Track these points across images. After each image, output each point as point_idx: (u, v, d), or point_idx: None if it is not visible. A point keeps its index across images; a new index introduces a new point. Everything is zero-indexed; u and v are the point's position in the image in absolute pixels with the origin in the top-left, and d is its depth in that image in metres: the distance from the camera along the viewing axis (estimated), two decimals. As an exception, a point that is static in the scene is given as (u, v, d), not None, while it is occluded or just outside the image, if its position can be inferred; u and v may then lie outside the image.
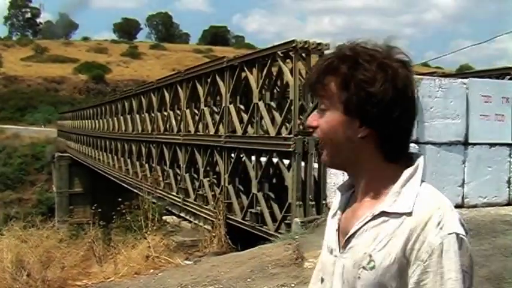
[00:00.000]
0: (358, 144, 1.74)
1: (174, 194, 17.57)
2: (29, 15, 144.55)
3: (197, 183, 16.25)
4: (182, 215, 16.62)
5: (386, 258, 1.66)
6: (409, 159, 1.77)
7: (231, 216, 13.41)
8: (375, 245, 1.69)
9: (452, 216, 1.67)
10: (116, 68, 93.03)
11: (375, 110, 1.69)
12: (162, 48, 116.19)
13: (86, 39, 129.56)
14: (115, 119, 27.99)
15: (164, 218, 14.84)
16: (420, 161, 1.77)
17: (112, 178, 27.78)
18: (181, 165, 17.37)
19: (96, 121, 33.63)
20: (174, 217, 16.42)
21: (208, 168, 15.73)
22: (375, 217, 1.72)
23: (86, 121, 37.83)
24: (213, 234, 13.03)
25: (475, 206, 9.06)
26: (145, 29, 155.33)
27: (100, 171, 31.61)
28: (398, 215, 1.68)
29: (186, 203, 16.49)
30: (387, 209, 1.70)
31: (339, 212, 1.90)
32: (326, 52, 12.43)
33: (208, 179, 15.47)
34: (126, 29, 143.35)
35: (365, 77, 1.69)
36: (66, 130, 48.52)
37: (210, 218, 14.09)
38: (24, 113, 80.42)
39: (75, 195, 40.63)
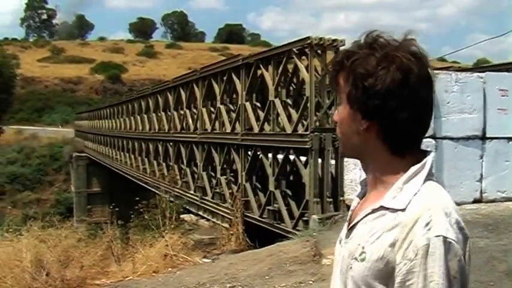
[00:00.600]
0: (363, 137, 1.77)
1: (192, 192, 17.59)
2: (45, 16, 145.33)
3: (214, 181, 16.25)
4: (200, 213, 16.64)
5: (376, 252, 1.67)
6: (421, 156, 1.77)
7: (248, 214, 13.40)
8: (368, 237, 1.72)
9: (442, 219, 1.64)
10: (132, 67, 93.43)
11: (373, 102, 1.71)
12: (177, 47, 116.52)
13: (102, 39, 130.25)
14: (132, 118, 28.06)
15: (182, 216, 14.85)
16: (429, 158, 1.77)
17: (129, 177, 27.87)
18: (199, 164, 17.39)
19: (113, 121, 33.73)
20: (192, 215, 16.43)
21: (225, 166, 15.73)
22: (374, 211, 1.75)
23: (103, 121, 37.97)
24: (231, 232, 13.04)
25: (493, 201, 9.01)
26: (160, 28, 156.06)
27: (118, 171, 31.72)
28: (394, 210, 1.69)
29: (204, 201, 16.50)
30: (386, 204, 1.72)
31: (354, 204, 1.93)
32: (341, 48, 12.42)
33: (225, 176, 15.47)
34: (142, 28, 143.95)
35: (364, 70, 1.71)
36: (83, 130, 48.75)
37: (228, 216, 14.10)
38: (41, 114, 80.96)
39: (93, 194, 40.81)
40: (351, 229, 1.83)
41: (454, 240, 1.62)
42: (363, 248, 1.71)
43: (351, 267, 1.75)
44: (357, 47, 1.77)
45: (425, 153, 1.79)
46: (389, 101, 1.70)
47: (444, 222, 1.64)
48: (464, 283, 1.66)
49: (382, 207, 1.73)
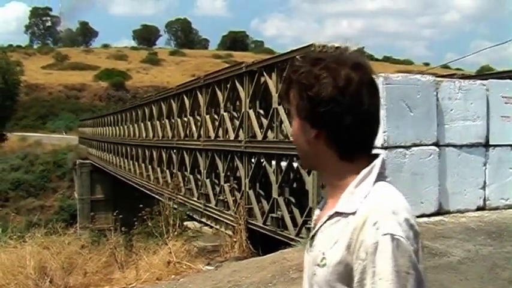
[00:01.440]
0: (313, 145, 1.85)
1: (195, 199, 17.59)
2: (49, 23, 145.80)
3: (218, 189, 16.25)
4: (203, 220, 16.64)
5: (334, 256, 1.74)
6: (372, 160, 1.85)
7: (252, 221, 13.39)
8: (327, 243, 1.79)
9: (390, 218, 1.69)
10: (136, 74, 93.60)
11: (318, 110, 1.80)
12: (181, 54, 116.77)
13: (105, 46, 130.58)
14: (135, 125, 28.10)
15: (185, 223, 14.84)
16: (377, 161, 1.84)
17: (133, 184, 27.88)
18: (202, 171, 17.39)
19: (117, 128, 33.78)
20: (195, 222, 16.42)
21: (228, 173, 15.73)
22: (330, 217, 1.83)
23: (107, 128, 38.02)
24: (234, 239, 13.04)
25: (496, 208, 9.00)
26: (164, 35, 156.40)
27: (121, 178, 31.74)
28: (347, 214, 1.77)
29: (207, 208, 16.50)
30: (339, 209, 1.80)
31: (316, 214, 2.00)
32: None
33: (229, 184, 15.46)
34: (146, 35, 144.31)
35: (307, 81, 1.81)
36: (87, 137, 48.81)
37: (231, 223, 14.09)
38: (45, 121, 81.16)
39: (96, 201, 40.82)
40: (312, 238, 1.90)
41: (402, 237, 1.66)
42: (323, 254, 1.78)
43: (314, 274, 1.81)
44: (302, 62, 1.87)
45: (375, 157, 1.87)
46: (333, 109, 1.78)
47: (391, 220, 1.69)
48: (420, 279, 1.70)
49: (336, 213, 1.80)
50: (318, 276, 1.79)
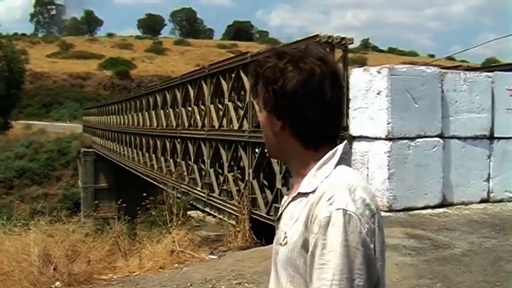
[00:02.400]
0: (279, 136, 1.93)
1: (199, 189, 17.62)
2: (54, 12, 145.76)
3: (221, 178, 16.28)
4: (207, 209, 16.67)
5: (294, 234, 1.80)
6: (334, 145, 1.91)
7: (255, 211, 13.42)
8: (288, 223, 1.86)
9: (344, 194, 1.74)
10: (141, 63, 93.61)
11: (283, 102, 1.87)
12: (186, 43, 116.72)
13: (110, 35, 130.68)
14: (140, 114, 28.12)
15: (189, 212, 14.85)
16: (340, 146, 1.90)
17: (137, 173, 27.93)
18: (206, 160, 17.42)
19: (121, 116, 33.81)
20: (199, 212, 16.46)
21: (232, 163, 15.75)
22: (293, 199, 1.90)
23: (111, 117, 38.06)
24: (238, 229, 13.06)
25: (500, 201, 8.98)
26: (169, 24, 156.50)
27: (125, 167, 31.79)
28: (307, 194, 1.83)
29: (211, 197, 16.53)
30: (302, 190, 1.86)
31: (283, 201, 2.05)
32: (350, 46, 12.39)
33: (232, 173, 15.48)
34: (151, 25, 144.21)
35: (273, 74, 1.88)
36: (91, 126, 48.86)
37: (235, 213, 14.12)
38: (50, 109, 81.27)
39: (100, 190, 40.94)
40: (278, 221, 1.97)
41: (354, 213, 1.71)
42: (285, 233, 1.85)
43: (277, 253, 1.88)
44: (268, 56, 1.95)
45: (338, 144, 1.94)
46: (297, 100, 1.85)
47: (345, 196, 1.74)
48: (369, 257, 1.73)
49: (299, 194, 1.87)
50: (280, 255, 1.85)
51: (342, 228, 1.69)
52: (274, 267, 1.91)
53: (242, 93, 15.87)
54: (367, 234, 1.72)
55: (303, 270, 1.77)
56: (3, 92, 63.30)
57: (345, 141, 1.95)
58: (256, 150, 14.12)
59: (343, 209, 1.70)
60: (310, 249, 1.73)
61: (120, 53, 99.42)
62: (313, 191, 1.80)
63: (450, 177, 8.45)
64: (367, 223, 1.73)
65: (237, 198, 14.47)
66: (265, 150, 2.04)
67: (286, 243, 1.82)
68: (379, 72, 7.84)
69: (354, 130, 8.26)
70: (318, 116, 1.87)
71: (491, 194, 8.99)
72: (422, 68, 8.51)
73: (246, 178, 14.34)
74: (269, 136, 1.96)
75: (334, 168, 1.85)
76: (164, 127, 22.79)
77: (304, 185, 1.86)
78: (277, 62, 1.89)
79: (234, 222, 13.83)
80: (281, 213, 1.95)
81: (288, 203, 1.92)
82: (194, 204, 16.93)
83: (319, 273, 1.69)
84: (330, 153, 1.88)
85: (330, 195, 1.74)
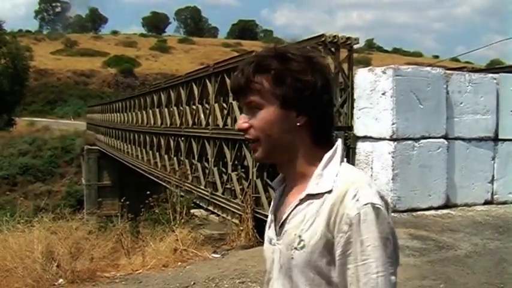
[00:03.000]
0: (295, 134, 1.87)
1: (202, 187, 17.63)
2: (59, 9, 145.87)
3: (225, 177, 16.29)
4: (210, 208, 16.68)
5: (313, 236, 1.78)
6: (332, 144, 1.91)
7: (258, 210, 13.41)
8: (302, 226, 1.82)
9: (367, 189, 1.77)
10: (145, 61, 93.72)
11: (310, 97, 1.84)
12: (190, 42, 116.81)
13: (115, 33, 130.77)
14: (144, 112, 28.14)
15: (192, 211, 14.84)
16: (338, 143, 1.91)
17: (140, 171, 27.94)
18: (210, 159, 17.42)
19: (125, 114, 33.84)
20: (202, 210, 16.47)
21: (236, 162, 15.75)
22: (301, 201, 1.85)
23: (115, 114, 38.09)
24: (241, 228, 13.05)
25: (504, 203, 8.97)
26: (174, 23, 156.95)
27: (128, 164, 31.81)
28: (321, 195, 1.81)
29: (214, 196, 16.54)
30: (311, 191, 1.83)
31: (272, 204, 2.05)
32: (355, 46, 12.39)
33: (236, 172, 15.48)
34: (155, 23, 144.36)
35: (299, 68, 1.84)
36: (95, 123, 48.93)
37: (238, 212, 14.12)
38: (54, 106, 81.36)
39: (103, 187, 40.99)
40: (281, 226, 1.90)
41: (380, 206, 1.75)
42: (300, 237, 1.81)
43: (292, 258, 1.83)
44: (274, 51, 1.90)
45: (333, 140, 1.94)
46: (323, 96, 1.86)
47: (369, 191, 1.77)
48: (397, 244, 1.81)
49: (308, 196, 1.83)
50: (297, 259, 1.82)
51: (374, 222, 1.72)
52: (286, 275, 1.87)
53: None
54: (392, 223, 1.79)
55: (325, 270, 1.78)
56: (7, 89, 63.44)
57: (339, 139, 1.96)
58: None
59: (371, 203, 1.73)
60: (339, 249, 1.74)
61: (125, 50, 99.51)
62: (329, 191, 1.79)
63: (454, 178, 8.45)
64: (388, 213, 1.78)
65: (240, 197, 14.47)
66: (257, 153, 1.93)
67: (303, 247, 1.79)
68: (384, 72, 7.83)
69: (358, 130, 8.26)
70: (330, 112, 1.92)
71: (495, 196, 8.98)
72: (428, 69, 8.50)
73: (250, 177, 14.35)
74: (278, 135, 1.87)
75: (340, 165, 1.86)
76: (168, 125, 22.81)
77: (313, 186, 1.83)
78: (294, 57, 1.86)
79: (237, 221, 13.83)
80: (286, 218, 1.89)
81: (295, 206, 1.87)
82: (197, 202, 16.94)
83: (364, 269, 1.72)
84: (331, 152, 1.88)
85: (354, 192, 1.75)
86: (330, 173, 1.83)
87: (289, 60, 1.85)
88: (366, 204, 1.73)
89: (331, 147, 1.89)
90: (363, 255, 1.71)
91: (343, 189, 1.77)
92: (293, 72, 1.83)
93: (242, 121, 1.92)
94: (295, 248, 1.82)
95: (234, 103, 15.82)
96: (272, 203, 2.08)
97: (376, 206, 1.74)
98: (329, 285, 1.79)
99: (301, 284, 1.82)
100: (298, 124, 1.85)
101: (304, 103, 1.84)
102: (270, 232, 2.00)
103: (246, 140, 1.96)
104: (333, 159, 1.87)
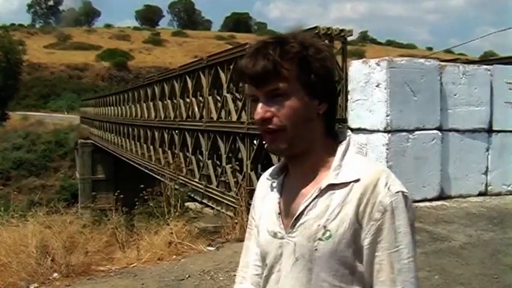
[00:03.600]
0: (314, 123, 1.83)
1: (197, 180, 17.64)
2: (51, 2, 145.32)
3: (219, 170, 16.29)
4: (204, 201, 16.69)
5: (341, 226, 1.75)
6: (337, 135, 1.89)
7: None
8: (327, 216, 1.77)
9: (395, 178, 1.79)
10: (139, 55, 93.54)
11: (332, 85, 1.86)
12: (184, 35, 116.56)
13: (108, 26, 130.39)
14: (138, 105, 28.12)
15: (186, 204, 14.81)
16: (350, 135, 1.94)
17: (135, 165, 27.95)
18: (204, 152, 17.42)
19: (119, 108, 33.81)
20: (197, 203, 16.46)
21: (230, 154, 15.75)
22: (322, 192, 1.80)
23: (109, 108, 38.07)
24: (235, 221, 13.01)
25: (498, 194, 8.98)
26: (167, 16, 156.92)
27: (123, 158, 31.79)
28: (346, 184, 1.78)
29: (209, 189, 16.55)
30: (333, 181, 1.79)
31: (273, 196, 1.95)
32: (349, 38, 12.38)
33: (230, 165, 15.49)
34: (149, 16, 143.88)
35: (322, 55, 1.80)
36: (89, 117, 48.89)
37: (232, 205, 14.11)
38: (47, 100, 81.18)
39: (98, 181, 40.97)
40: (297, 218, 1.82)
41: (408, 194, 1.78)
42: (325, 227, 1.77)
43: (316, 249, 1.78)
44: (292, 37, 1.81)
45: (338, 134, 1.90)
46: (336, 84, 1.91)
47: (396, 180, 1.79)
48: (415, 229, 1.83)
49: (330, 186, 1.79)
50: (322, 250, 1.77)
51: (405, 209, 1.75)
52: (305, 266, 1.80)
53: (240, 84, 15.84)
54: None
55: (350, 260, 1.77)
56: (0, 83, 63.23)
57: (348, 131, 2.01)
58: (255, 141, 14.11)
59: (402, 192, 1.76)
60: (369, 237, 1.75)
61: (118, 44, 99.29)
62: (356, 180, 1.76)
63: (448, 170, 8.45)
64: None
65: (234, 189, 14.47)
66: (277, 144, 1.82)
67: (329, 237, 1.76)
68: (378, 64, 7.82)
69: (352, 122, 8.24)
70: (337, 93, 1.94)
71: (489, 187, 8.99)
72: (422, 60, 8.49)
73: (244, 170, 14.35)
74: (302, 125, 1.80)
75: (355, 156, 1.86)
76: (162, 118, 22.79)
77: (332, 176, 1.79)
78: (314, 44, 1.81)
79: (232, 214, 13.81)
80: (304, 209, 1.81)
81: (315, 197, 1.80)
82: (192, 195, 16.92)
83: (397, 255, 1.75)
84: (345, 143, 1.85)
85: (384, 181, 1.76)
86: (351, 163, 1.82)
87: (310, 47, 1.79)
88: (397, 192, 1.75)
89: (336, 138, 1.87)
90: (396, 241, 1.74)
91: (373, 177, 1.76)
92: (318, 59, 1.79)
93: (264, 110, 1.80)
94: (320, 239, 1.77)
95: (228, 96, 15.80)
96: (262, 195, 2.03)
97: (405, 194, 1.77)
98: (352, 275, 1.78)
99: (325, 275, 1.78)
100: (319, 113, 1.81)
101: (327, 91, 1.82)
102: (271, 225, 1.91)
103: (266, 130, 1.81)
104: (349, 151, 1.85)
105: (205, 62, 17.76)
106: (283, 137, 1.79)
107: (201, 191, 16.94)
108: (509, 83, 9.11)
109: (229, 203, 14.57)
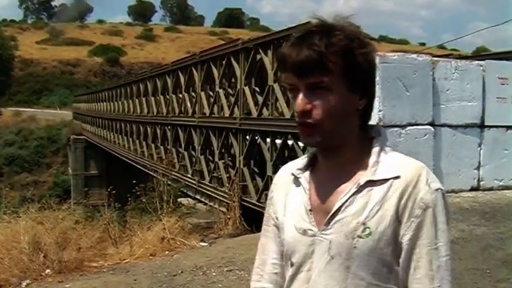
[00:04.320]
0: (353, 118, 1.81)
1: (189, 176, 17.61)
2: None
3: (212, 165, 16.26)
4: (197, 197, 16.65)
5: (381, 223, 1.74)
6: (369, 130, 1.87)
7: (246, 198, 13.39)
8: (367, 212, 1.75)
9: (433, 175, 1.79)
10: (131, 50, 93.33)
11: (373, 81, 1.83)
12: (176, 30, 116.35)
13: (101, 22, 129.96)
14: (130, 101, 28.03)
15: (179, 200, 14.82)
16: (384, 131, 1.89)
17: (127, 160, 27.89)
18: (197, 147, 17.38)
19: (112, 104, 33.71)
20: (189, 199, 16.43)
21: (223, 150, 15.72)
22: (360, 188, 1.77)
23: (101, 104, 37.94)
24: (228, 216, 13.05)
25: (490, 189, 9.02)
26: (160, 11, 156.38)
27: (115, 154, 31.73)
28: (385, 180, 1.76)
29: (201, 185, 16.52)
30: (372, 178, 1.77)
31: (301, 192, 1.90)
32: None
33: (223, 161, 15.46)
34: (141, 11, 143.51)
35: (366, 49, 1.77)
36: (81, 113, 48.69)
37: (225, 200, 14.10)
38: (39, 96, 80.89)
39: (90, 177, 40.86)
40: (333, 215, 1.78)
41: (445, 191, 1.80)
42: (364, 224, 1.74)
43: (355, 247, 1.74)
44: (337, 27, 1.76)
45: (372, 127, 1.88)
46: (375, 73, 1.84)
47: (435, 177, 1.79)
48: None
49: (368, 182, 1.77)
50: (361, 248, 1.74)
51: (443, 207, 1.76)
52: (342, 264, 1.76)
53: (233, 80, 15.83)
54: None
55: (388, 258, 1.75)
56: (-8, 79, 63.11)
57: (380, 126, 1.97)
58: (247, 137, 14.10)
59: (440, 189, 1.77)
60: (410, 233, 1.74)
61: (111, 39, 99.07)
62: (396, 177, 1.75)
63: (441, 165, 8.48)
64: None
65: (227, 185, 14.45)
66: (314, 138, 1.79)
67: (369, 234, 1.73)
68: (370, 59, 7.82)
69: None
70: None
71: (481, 182, 9.03)
72: (414, 56, 8.51)
73: (237, 165, 14.33)
74: (340, 119, 1.77)
75: (391, 153, 1.84)
76: (155, 114, 22.73)
77: (370, 173, 1.77)
78: (358, 37, 1.77)
79: (224, 210, 13.82)
80: (340, 206, 1.78)
81: (353, 194, 1.77)
82: (185, 191, 16.91)
83: (436, 252, 1.75)
84: (380, 139, 1.84)
85: (425, 177, 1.76)
86: (389, 160, 1.80)
87: (355, 40, 1.75)
88: (437, 190, 1.76)
89: (371, 134, 1.85)
90: (436, 238, 1.74)
91: (414, 174, 1.76)
92: (362, 54, 1.75)
93: (304, 102, 1.75)
94: (359, 236, 1.74)
95: (221, 91, 15.78)
96: (285, 190, 1.97)
97: (443, 191, 1.78)
98: (390, 273, 1.77)
99: (363, 273, 1.75)
100: (359, 108, 1.79)
101: (368, 86, 1.81)
102: (299, 222, 1.85)
103: (304, 124, 1.77)
104: (385, 148, 1.83)
105: (197, 57, 17.71)
106: (320, 131, 1.76)
107: (194, 186, 16.90)
108: (502, 79, 9.14)
109: (222, 199, 14.54)
